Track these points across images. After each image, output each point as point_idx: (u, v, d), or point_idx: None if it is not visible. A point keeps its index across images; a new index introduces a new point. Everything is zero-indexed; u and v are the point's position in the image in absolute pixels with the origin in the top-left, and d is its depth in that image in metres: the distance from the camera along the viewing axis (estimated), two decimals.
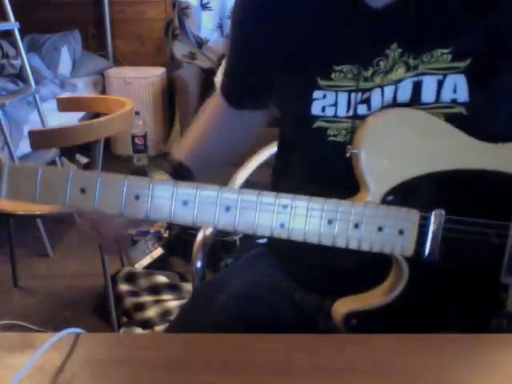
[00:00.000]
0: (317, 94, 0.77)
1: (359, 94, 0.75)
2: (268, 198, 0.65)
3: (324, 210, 0.66)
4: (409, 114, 0.73)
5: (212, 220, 0.65)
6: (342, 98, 0.76)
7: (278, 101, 0.86)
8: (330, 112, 0.77)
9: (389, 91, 0.74)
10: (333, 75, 0.76)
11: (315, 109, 0.77)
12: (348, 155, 0.71)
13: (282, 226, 0.66)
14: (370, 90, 0.75)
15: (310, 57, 0.79)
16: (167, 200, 0.65)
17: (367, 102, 0.75)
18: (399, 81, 0.74)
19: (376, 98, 0.75)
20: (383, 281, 0.73)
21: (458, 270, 0.71)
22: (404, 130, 0.71)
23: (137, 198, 0.64)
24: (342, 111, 0.76)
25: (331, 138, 0.77)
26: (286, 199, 0.65)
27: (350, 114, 0.76)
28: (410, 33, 0.73)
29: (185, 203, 0.64)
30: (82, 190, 0.64)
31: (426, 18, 0.73)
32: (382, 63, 0.74)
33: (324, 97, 0.77)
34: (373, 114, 0.74)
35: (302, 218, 0.66)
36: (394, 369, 0.59)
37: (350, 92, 0.76)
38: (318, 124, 0.78)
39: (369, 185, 0.70)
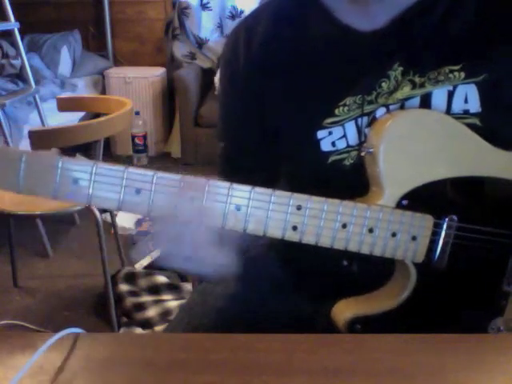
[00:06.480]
0: (321, 133, 0.75)
1: (365, 117, 0.73)
2: (281, 198, 0.62)
3: (339, 213, 0.63)
4: (428, 114, 0.69)
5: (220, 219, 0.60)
6: (350, 127, 0.74)
7: (283, 148, 0.82)
8: (341, 145, 0.75)
9: (394, 108, 0.73)
10: (336, 111, 0.74)
11: (325, 146, 0.76)
12: (362, 154, 0.70)
13: (295, 228, 0.63)
14: (374, 111, 0.73)
15: (310, 100, 0.76)
16: (169, 195, 0.59)
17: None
18: (406, 99, 0.72)
19: (381, 114, 0.73)
20: (384, 283, 0.72)
21: (461, 276, 0.70)
22: (424, 131, 0.67)
23: (138, 192, 0.58)
24: (353, 140, 0.75)
25: (349, 167, 0.75)
26: (300, 200, 0.62)
27: (362, 139, 0.74)
28: (410, 51, 0.72)
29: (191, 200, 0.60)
30: (75, 181, 0.58)
31: (427, 36, 0.71)
32: (384, 84, 0.72)
33: (330, 134, 0.75)
34: (391, 112, 0.72)
35: (316, 220, 0.63)
36: (394, 369, 0.59)
37: (356, 119, 0.74)
38: (332, 158, 0.76)
39: (384, 187, 0.66)
